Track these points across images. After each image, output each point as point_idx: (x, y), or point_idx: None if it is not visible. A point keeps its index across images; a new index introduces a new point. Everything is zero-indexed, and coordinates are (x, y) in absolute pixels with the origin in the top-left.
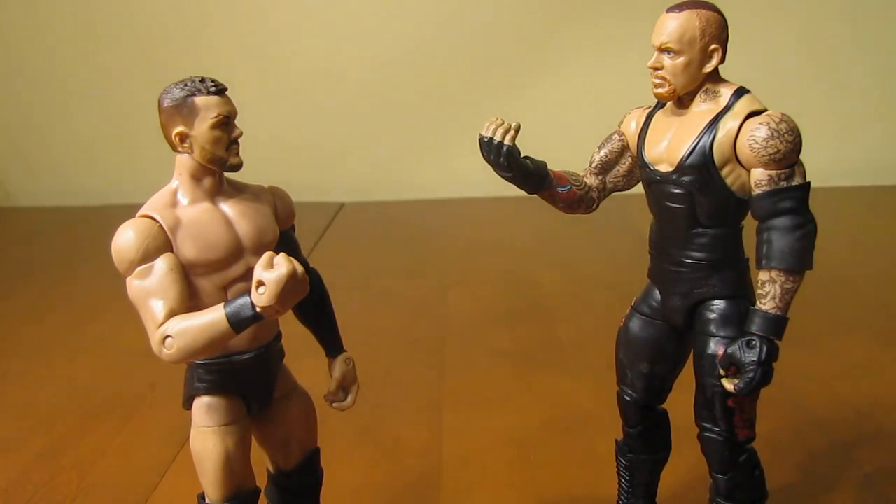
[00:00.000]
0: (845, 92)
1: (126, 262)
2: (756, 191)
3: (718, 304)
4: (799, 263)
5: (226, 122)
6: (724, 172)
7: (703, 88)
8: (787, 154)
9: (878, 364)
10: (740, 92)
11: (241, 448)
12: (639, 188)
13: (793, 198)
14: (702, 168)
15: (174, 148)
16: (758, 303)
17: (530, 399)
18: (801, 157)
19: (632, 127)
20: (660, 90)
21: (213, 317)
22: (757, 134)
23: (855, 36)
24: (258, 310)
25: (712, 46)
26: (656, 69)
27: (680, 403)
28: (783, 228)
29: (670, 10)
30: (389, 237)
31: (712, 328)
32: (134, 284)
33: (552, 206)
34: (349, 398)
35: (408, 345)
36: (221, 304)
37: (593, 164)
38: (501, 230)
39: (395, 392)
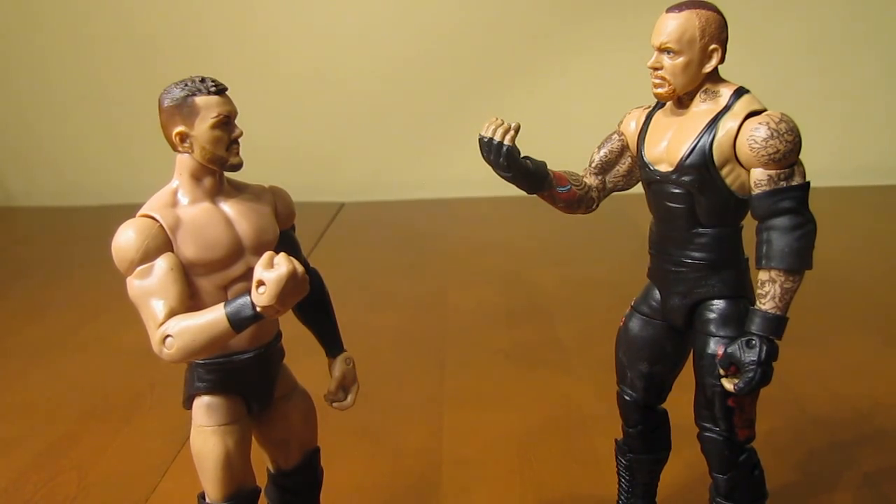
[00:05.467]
0: (846, 92)
1: (126, 261)
2: (756, 191)
3: (718, 304)
4: (798, 263)
5: (226, 122)
6: (723, 172)
7: (703, 88)
8: (787, 154)
9: (878, 364)
10: (740, 92)
11: (242, 448)
12: (639, 188)
13: (792, 198)
14: (701, 168)
15: (174, 148)
16: (757, 303)
17: (530, 399)
18: (801, 157)
19: (631, 127)
20: (659, 90)
21: (213, 316)
22: (756, 134)
23: (855, 36)
24: (258, 309)
25: (712, 46)
26: (656, 69)
27: (680, 403)
28: (783, 228)
29: (670, 10)
30: (389, 237)
31: (712, 328)
32: (134, 284)
33: (552, 206)
34: (349, 398)
35: (408, 345)
36: (221, 304)
37: (593, 164)
38: (501, 230)
39: (395, 392)
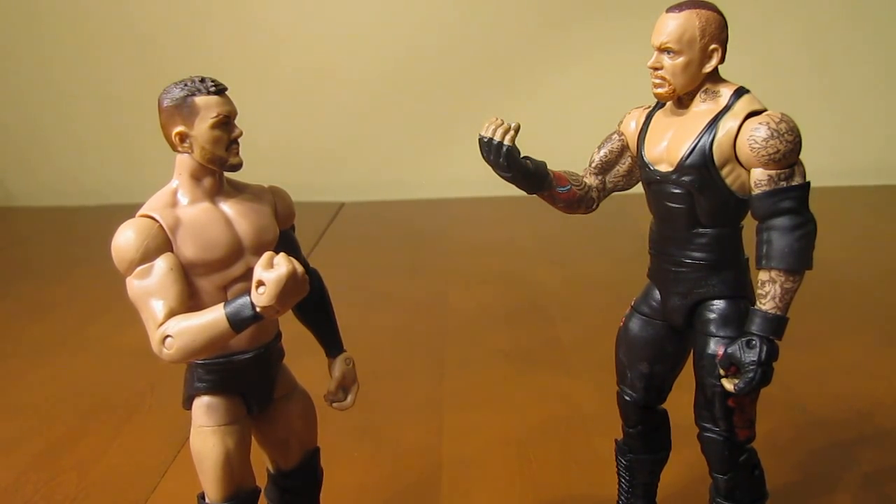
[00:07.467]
0: (845, 92)
1: (126, 261)
2: (756, 191)
3: (718, 304)
4: (799, 263)
5: (226, 122)
6: (723, 172)
7: (703, 88)
8: (787, 154)
9: (878, 364)
10: (740, 92)
11: (241, 448)
12: (639, 188)
13: (793, 198)
14: (701, 168)
15: (174, 148)
16: (758, 303)
17: (530, 399)
18: (801, 156)
19: (631, 127)
20: (659, 90)
21: (213, 316)
22: (757, 134)
23: (855, 36)
24: (258, 310)
25: (712, 46)
26: (656, 69)
27: (680, 403)
28: (783, 228)
29: (670, 10)
30: (389, 237)
31: (712, 328)
32: (134, 284)
33: (552, 207)
34: (349, 398)
35: (408, 345)
36: (221, 304)
37: (593, 164)
38: (501, 230)
39: (395, 392)
